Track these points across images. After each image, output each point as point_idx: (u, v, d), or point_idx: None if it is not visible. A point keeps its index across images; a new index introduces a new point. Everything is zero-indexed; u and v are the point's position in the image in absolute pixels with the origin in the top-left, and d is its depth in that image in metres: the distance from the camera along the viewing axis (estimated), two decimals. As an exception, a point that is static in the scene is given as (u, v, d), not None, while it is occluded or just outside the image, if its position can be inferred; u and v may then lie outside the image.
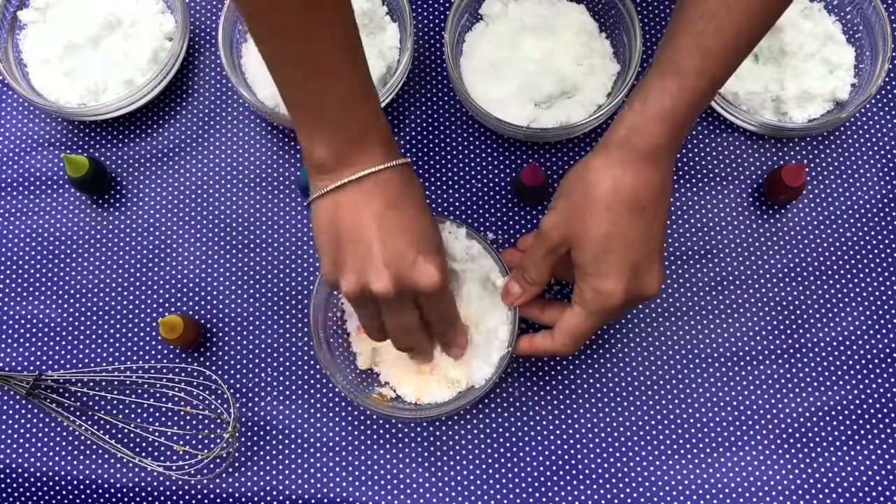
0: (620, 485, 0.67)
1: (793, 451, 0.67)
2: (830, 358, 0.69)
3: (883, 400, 0.68)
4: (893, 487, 0.66)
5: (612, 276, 0.56)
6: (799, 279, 0.71)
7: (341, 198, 0.56)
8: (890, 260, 0.71)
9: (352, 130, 0.55)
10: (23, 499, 0.69)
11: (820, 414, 0.68)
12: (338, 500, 0.67)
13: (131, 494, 0.68)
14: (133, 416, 0.70)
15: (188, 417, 0.69)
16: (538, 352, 0.62)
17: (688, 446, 0.68)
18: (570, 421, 0.68)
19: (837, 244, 0.72)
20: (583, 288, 0.58)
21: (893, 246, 0.72)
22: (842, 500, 0.66)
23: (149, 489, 0.68)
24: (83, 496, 0.69)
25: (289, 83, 0.55)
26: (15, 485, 0.69)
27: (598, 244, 0.56)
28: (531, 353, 0.63)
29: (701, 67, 0.53)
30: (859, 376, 0.69)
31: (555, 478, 0.67)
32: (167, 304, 0.72)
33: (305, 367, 0.70)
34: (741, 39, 0.53)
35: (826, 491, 0.66)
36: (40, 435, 0.70)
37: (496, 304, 0.65)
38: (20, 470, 0.69)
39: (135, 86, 0.74)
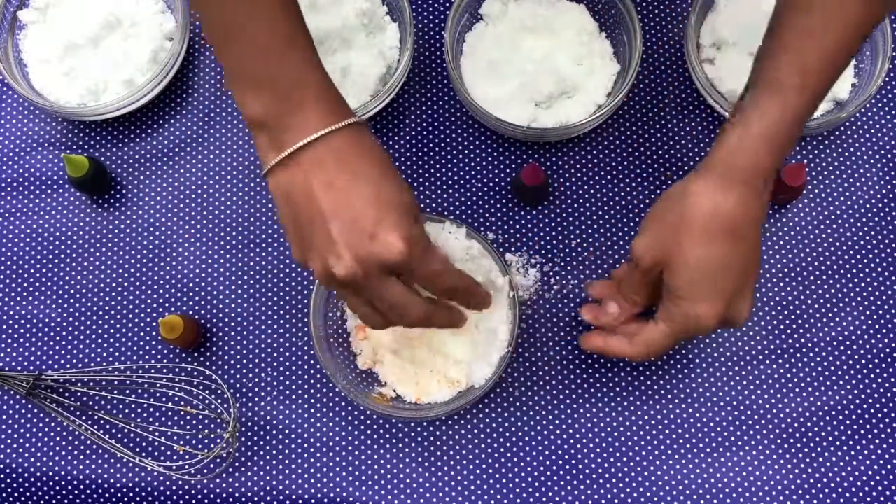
0: (620, 485, 0.67)
1: (793, 451, 0.67)
2: (830, 358, 0.69)
3: (883, 400, 0.68)
4: (893, 487, 0.66)
5: (707, 301, 0.55)
6: (799, 279, 0.71)
7: (290, 170, 0.51)
8: (890, 260, 0.71)
9: (282, 81, 0.51)
10: (23, 499, 0.69)
11: (820, 414, 0.68)
12: (338, 500, 0.67)
13: (131, 494, 0.68)
14: (133, 415, 0.70)
15: (188, 417, 0.69)
16: (610, 351, 0.61)
17: (688, 446, 0.68)
18: (570, 421, 0.68)
19: (837, 244, 0.72)
20: (672, 310, 0.57)
21: (893, 246, 0.72)
22: (842, 500, 0.66)
23: (149, 489, 0.68)
24: (83, 496, 0.69)
25: (212, 27, 0.52)
26: (15, 484, 0.69)
27: (694, 268, 0.55)
28: (601, 351, 0.61)
29: (802, 85, 0.52)
30: (859, 376, 0.69)
31: (555, 478, 0.67)
32: (167, 304, 0.72)
33: (305, 367, 0.70)
34: (841, 54, 0.52)
35: (826, 491, 0.66)
36: (40, 435, 0.70)
37: (496, 304, 0.64)
38: (20, 470, 0.69)
39: (135, 86, 0.74)
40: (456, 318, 0.59)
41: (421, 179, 0.74)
